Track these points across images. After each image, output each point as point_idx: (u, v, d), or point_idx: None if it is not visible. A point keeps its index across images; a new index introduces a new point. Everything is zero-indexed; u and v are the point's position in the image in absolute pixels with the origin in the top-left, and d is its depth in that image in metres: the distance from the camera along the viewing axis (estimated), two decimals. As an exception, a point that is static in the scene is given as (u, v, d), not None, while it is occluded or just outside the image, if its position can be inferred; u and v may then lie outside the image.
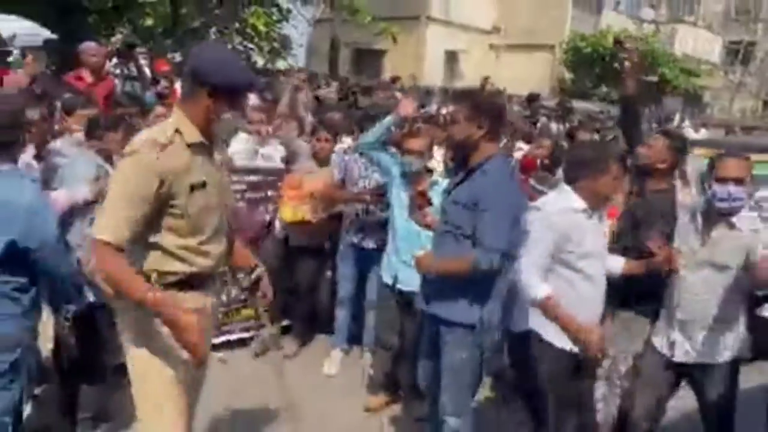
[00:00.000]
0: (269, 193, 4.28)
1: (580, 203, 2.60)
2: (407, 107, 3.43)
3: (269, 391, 3.75)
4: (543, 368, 2.64)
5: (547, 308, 2.49)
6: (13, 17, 6.15)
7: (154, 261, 2.06)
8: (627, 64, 3.07)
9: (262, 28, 10.85)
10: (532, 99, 8.71)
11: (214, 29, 10.26)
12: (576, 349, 2.61)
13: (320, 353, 4.32)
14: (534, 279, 2.52)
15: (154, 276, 2.04)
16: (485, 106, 2.55)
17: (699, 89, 21.50)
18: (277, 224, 4.28)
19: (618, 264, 2.81)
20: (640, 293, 2.90)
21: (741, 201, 2.55)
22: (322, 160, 4.18)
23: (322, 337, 4.51)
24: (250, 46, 11.30)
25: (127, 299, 1.99)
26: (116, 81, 5.75)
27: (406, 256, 3.35)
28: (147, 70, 6.30)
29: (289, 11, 12.90)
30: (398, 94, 7.89)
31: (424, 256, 2.62)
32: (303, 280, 4.29)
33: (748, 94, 25.20)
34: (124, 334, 2.13)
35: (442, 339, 2.65)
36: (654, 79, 18.21)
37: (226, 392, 3.57)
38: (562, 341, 2.59)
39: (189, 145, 2.03)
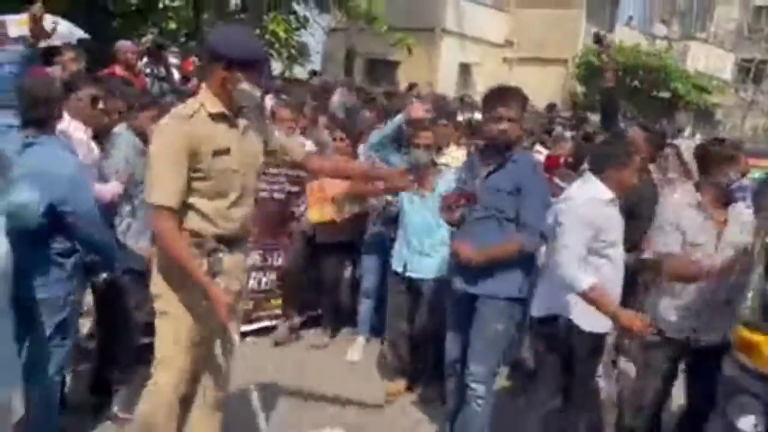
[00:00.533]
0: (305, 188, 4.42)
1: (608, 193, 2.73)
2: (418, 110, 3.60)
3: (293, 376, 3.89)
4: (567, 350, 2.76)
5: (594, 298, 2.58)
6: (49, 16, 6.34)
7: (188, 221, 2.31)
8: (604, 57, 3.22)
9: (282, 34, 11.08)
10: (551, 108, 8.92)
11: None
12: (601, 332, 2.74)
13: (343, 342, 4.46)
14: (577, 271, 2.62)
15: (185, 234, 2.30)
16: (525, 105, 2.86)
17: (711, 106, 21.55)
18: (305, 222, 4.42)
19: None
20: None
21: None
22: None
23: (345, 329, 4.66)
24: (270, 51, 11.50)
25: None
26: (147, 80, 5.95)
27: (417, 245, 3.55)
28: (175, 71, 6.49)
29: (306, 19, 13.12)
30: (414, 100, 8.06)
31: (468, 251, 2.76)
32: (329, 275, 4.43)
33: (760, 112, 25.23)
34: (160, 276, 2.38)
35: (478, 312, 2.80)
36: (666, 95, 18.31)
37: (253, 376, 3.71)
38: (590, 325, 2.72)
39: (211, 115, 2.28)
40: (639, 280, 3.13)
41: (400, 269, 3.74)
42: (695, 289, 2.79)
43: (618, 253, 2.78)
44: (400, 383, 3.89)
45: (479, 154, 3.03)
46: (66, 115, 2.94)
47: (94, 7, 9.54)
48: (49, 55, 5.91)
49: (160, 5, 10.43)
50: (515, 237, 2.75)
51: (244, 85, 2.29)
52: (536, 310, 2.89)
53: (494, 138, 2.84)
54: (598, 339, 2.81)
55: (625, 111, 7.29)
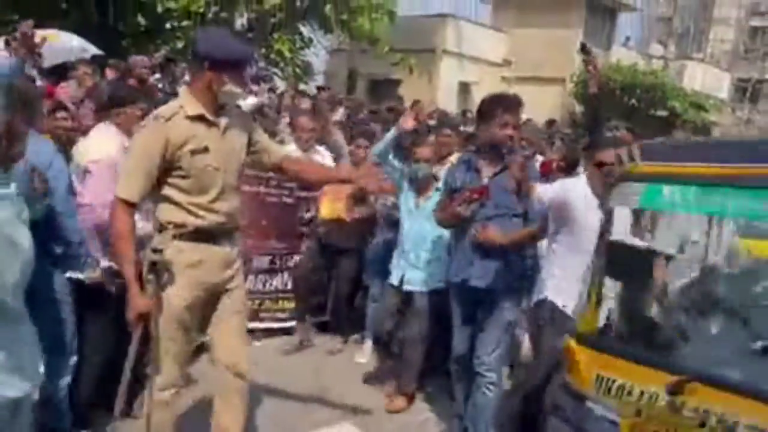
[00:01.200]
0: (316, 193, 4.56)
1: (587, 189, 2.97)
2: (408, 122, 3.76)
3: (303, 378, 4.00)
4: (555, 332, 2.90)
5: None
6: (64, 33, 6.59)
7: (170, 214, 2.45)
8: (590, 68, 3.38)
9: (287, 53, 11.34)
10: (551, 123, 9.16)
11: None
12: None
13: (352, 345, 4.58)
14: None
15: (170, 226, 2.43)
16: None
17: (708, 124, 21.82)
18: (317, 224, 4.53)
19: None
20: None
21: None
22: (357, 164, 4.48)
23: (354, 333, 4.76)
24: (274, 70, 11.76)
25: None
26: (159, 94, 6.13)
27: (413, 258, 3.68)
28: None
29: (310, 40, 13.41)
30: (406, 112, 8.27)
31: (493, 233, 3.00)
32: (338, 280, 4.53)
33: (757, 130, 25.50)
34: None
35: (491, 305, 2.97)
36: (664, 113, 18.55)
37: (262, 375, 3.81)
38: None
39: (189, 117, 2.40)
40: None
41: (396, 282, 3.85)
42: None
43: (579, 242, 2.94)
44: (399, 402, 3.86)
45: (478, 157, 3.18)
46: (114, 128, 3.09)
47: (104, 27, 9.80)
48: (63, 70, 6.13)
49: (168, 25, 10.67)
50: (526, 227, 3.00)
51: (229, 86, 2.39)
52: (534, 296, 3.11)
53: (500, 142, 3.02)
54: None
55: (609, 118, 7.46)
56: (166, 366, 2.51)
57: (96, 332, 3.09)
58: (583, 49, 3.32)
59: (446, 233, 3.50)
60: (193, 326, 2.57)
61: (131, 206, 2.37)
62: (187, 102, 2.43)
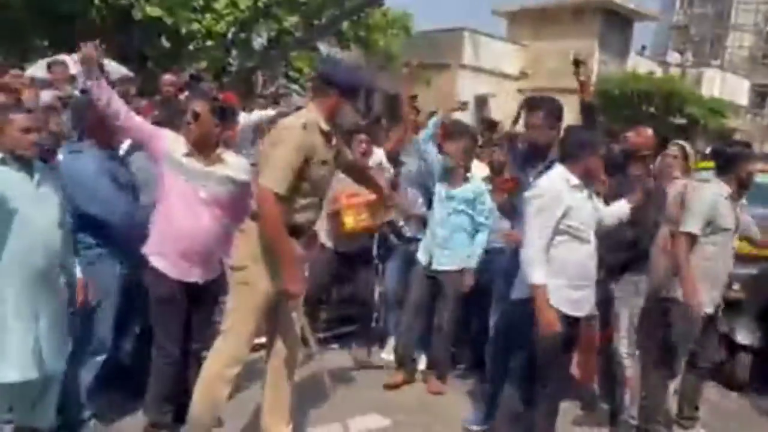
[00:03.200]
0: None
1: (573, 179, 2.96)
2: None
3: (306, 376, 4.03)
4: (535, 330, 2.92)
5: (536, 295, 2.87)
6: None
7: (289, 214, 2.73)
8: (582, 78, 3.48)
9: (306, 69, 11.59)
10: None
11: (260, 71, 10.94)
12: (569, 314, 2.94)
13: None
14: (536, 262, 2.90)
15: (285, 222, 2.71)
16: (560, 112, 3.22)
17: (728, 131, 21.65)
18: (323, 234, 4.28)
19: (623, 206, 3.23)
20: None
21: None
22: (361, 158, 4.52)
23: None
24: (294, 87, 11.99)
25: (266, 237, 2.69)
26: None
27: (441, 241, 3.87)
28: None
29: (329, 56, 13.65)
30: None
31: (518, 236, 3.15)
32: (361, 288, 4.54)
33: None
34: (240, 249, 2.83)
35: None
36: (683, 121, 18.46)
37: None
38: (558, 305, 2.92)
39: (321, 131, 2.74)
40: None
41: (425, 262, 4.07)
42: None
43: (590, 236, 2.99)
44: (399, 375, 4.14)
45: (523, 153, 3.39)
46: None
47: (129, 50, 10.11)
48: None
49: (191, 47, 10.96)
50: None
51: (348, 109, 2.81)
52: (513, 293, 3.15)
53: (530, 140, 3.25)
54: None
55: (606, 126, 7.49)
56: (241, 343, 2.76)
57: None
58: (576, 62, 3.43)
59: (474, 219, 4.05)
60: (266, 314, 2.86)
61: (281, 199, 2.64)
62: (319, 117, 2.76)
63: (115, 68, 6.44)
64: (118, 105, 2.87)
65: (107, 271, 3.01)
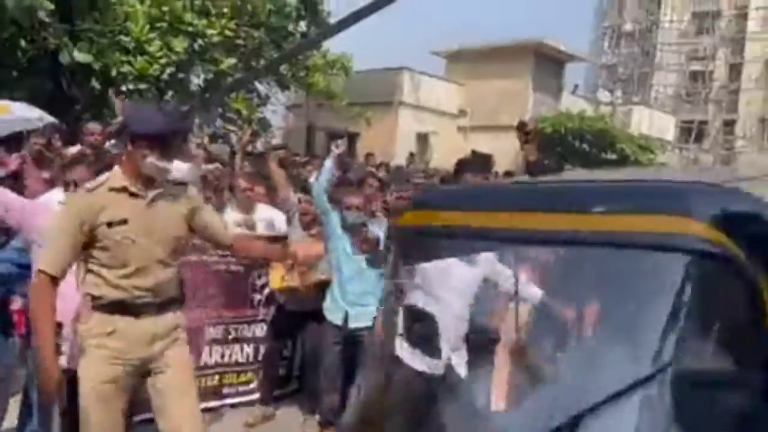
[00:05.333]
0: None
1: None
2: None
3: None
4: None
5: None
6: (18, 104, 6.60)
7: (88, 285, 2.44)
8: (527, 145, 3.54)
9: (244, 111, 11.48)
10: (508, 174, 9.47)
11: (197, 114, 10.76)
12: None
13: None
14: None
15: (88, 299, 2.43)
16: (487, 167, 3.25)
17: (656, 166, 22.67)
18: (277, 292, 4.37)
19: None
20: None
21: None
22: (307, 225, 4.46)
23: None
24: (232, 128, 11.86)
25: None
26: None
27: (354, 297, 3.74)
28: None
29: (267, 97, 13.61)
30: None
31: None
32: (310, 347, 4.38)
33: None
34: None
35: None
36: (614, 156, 19.23)
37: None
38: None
39: (112, 189, 2.43)
40: None
41: (339, 322, 3.89)
42: None
43: None
44: None
45: None
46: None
47: (58, 94, 9.79)
48: (14, 140, 6.10)
49: (123, 88, 10.70)
50: None
51: (151, 159, 2.41)
52: None
53: None
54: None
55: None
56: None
57: None
58: (520, 127, 3.47)
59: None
60: (117, 402, 2.47)
61: (53, 279, 2.34)
62: (114, 175, 2.48)
63: (36, 117, 6.18)
64: None
65: None
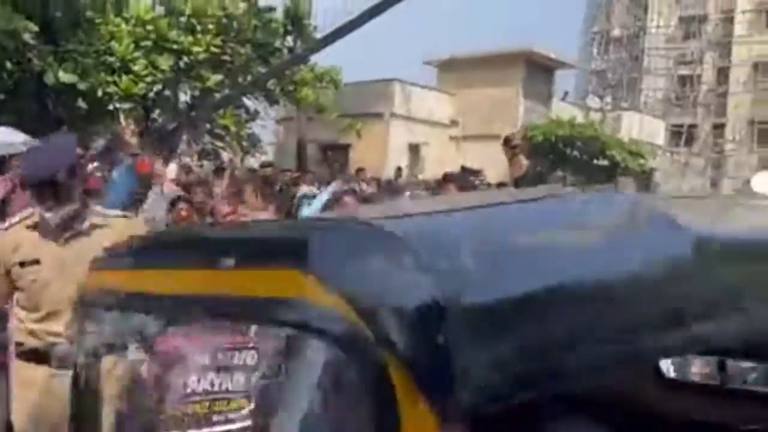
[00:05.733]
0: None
1: None
2: None
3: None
4: None
5: None
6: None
7: (14, 331, 2.35)
8: (515, 158, 3.49)
9: (233, 127, 11.46)
10: (501, 185, 9.45)
11: (184, 132, 10.75)
12: None
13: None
14: None
15: (11, 346, 2.34)
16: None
17: (648, 171, 22.73)
18: None
19: None
20: None
21: None
22: None
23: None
24: (220, 145, 11.83)
25: None
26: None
27: None
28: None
29: (257, 112, 13.59)
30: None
31: None
32: None
33: (695, 173, 26.71)
34: None
35: None
36: (605, 162, 19.28)
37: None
38: None
39: (28, 227, 2.29)
40: None
41: None
42: None
43: None
44: None
45: None
46: None
47: (44, 114, 9.74)
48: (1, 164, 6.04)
49: (110, 107, 10.67)
50: None
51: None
52: None
53: None
54: None
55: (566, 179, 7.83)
56: None
57: None
58: (506, 142, 3.44)
59: None
60: None
61: None
62: (33, 211, 2.31)
63: (20, 141, 6.12)
64: None
65: None
